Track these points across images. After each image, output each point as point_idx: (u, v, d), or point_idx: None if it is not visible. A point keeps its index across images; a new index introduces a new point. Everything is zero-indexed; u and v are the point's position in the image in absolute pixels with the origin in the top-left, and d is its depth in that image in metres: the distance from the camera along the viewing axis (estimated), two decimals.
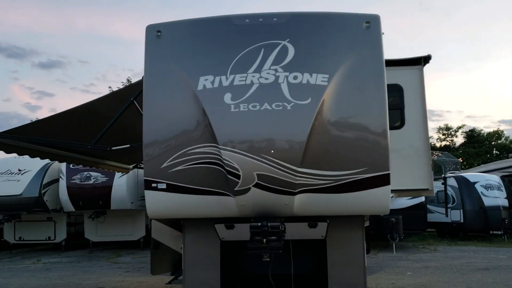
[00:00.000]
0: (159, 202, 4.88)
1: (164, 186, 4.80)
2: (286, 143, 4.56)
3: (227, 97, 4.65)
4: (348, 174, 4.67)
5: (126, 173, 10.53)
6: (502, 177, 18.74)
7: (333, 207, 4.87)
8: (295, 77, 4.64)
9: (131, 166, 9.92)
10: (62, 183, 14.97)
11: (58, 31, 67.65)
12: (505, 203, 17.52)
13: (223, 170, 4.63)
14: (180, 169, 4.77)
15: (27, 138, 5.77)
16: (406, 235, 15.26)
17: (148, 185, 4.86)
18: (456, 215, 17.92)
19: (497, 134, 54.76)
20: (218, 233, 5.85)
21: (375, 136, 4.70)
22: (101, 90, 64.95)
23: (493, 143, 54.19)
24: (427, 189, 5.78)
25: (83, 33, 66.76)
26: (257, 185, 4.60)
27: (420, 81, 5.82)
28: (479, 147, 51.57)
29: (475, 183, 17.85)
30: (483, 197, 17.46)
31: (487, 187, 17.87)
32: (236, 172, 4.57)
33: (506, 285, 8.47)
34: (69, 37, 66.21)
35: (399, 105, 6.10)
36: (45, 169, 15.44)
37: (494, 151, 52.52)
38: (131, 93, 5.96)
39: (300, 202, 4.74)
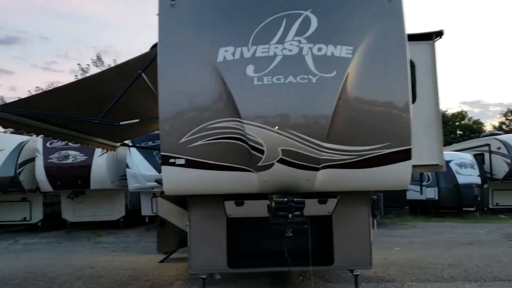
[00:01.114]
0: (176, 178, 4.73)
1: (182, 161, 4.65)
2: (312, 118, 4.47)
3: (250, 70, 4.50)
4: (371, 149, 4.63)
5: (113, 151, 10.22)
6: (475, 156, 19.27)
7: (353, 183, 4.84)
8: (320, 49, 4.53)
9: (118, 144, 9.62)
10: (39, 162, 14.45)
11: (16, 5, 64.63)
12: (478, 180, 18.05)
13: (246, 145, 4.50)
14: (199, 144, 4.61)
15: (31, 113, 5.46)
16: (384, 212, 15.57)
17: (165, 160, 4.69)
18: (431, 193, 18.38)
19: (461, 115, 56.26)
20: (226, 210, 5.76)
21: (398, 111, 4.67)
22: (63, 68, 62.77)
23: (457, 123, 55.67)
24: (437, 165, 5.82)
25: (43, 8, 64.08)
26: (281, 161, 4.50)
27: (432, 57, 5.80)
28: (444, 127, 52.85)
29: (449, 161, 18.27)
30: (457, 175, 17.93)
31: (461, 165, 18.34)
32: (260, 147, 4.46)
33: (494, 259, 8.72)
34: (28, 12, 63.35)
35: (411, 81, 6.07)
36: (20, 147, 14.90)
37: (458, 131, 54.00)
38: (135, 66, 5.71)
39: (322, 178, 4.68)
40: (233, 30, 4.69)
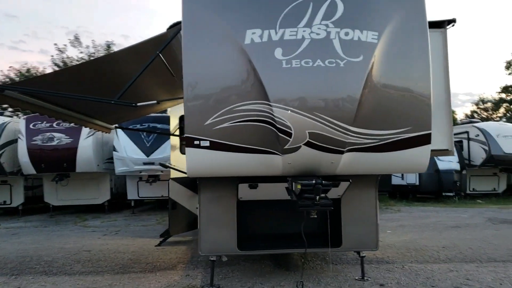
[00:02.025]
0: (201, 160, 4.71)
1: (207, 143, 4.63)
2: (340, 102, 4.51)
3: (278, 52, 4.50)
4: (393, 133, 4.72)
5: (108, 133, 10.06)
6: (454, 142, 19.72)
7: (374, 166, 4.93)
8: (347, 34, 4.56)
9: (113, 126, 9.48)
10: (22, 144, 14.08)
11: None
12: (457, 166, 18.52)
13: (274, 128, 4.52)
14: (225, 126, 4.60)
15: (46, 92, 5.32)
16: None
17: (190, 142, 4.65)
18: (412, 178, 18.79)
19: None
20: (239, 193, 5.79)
21: (420, 96, 4.76)
22: (32, 48, 60.62)
23: None
24: (446, 150, 5.97)
25: None
26: (307, 144, 4.54)
27: (444, 45, 5.90)
28: None
29: None
30: (437, 161, 18.34)
31: None
32: (288, 130, 4.48)
33: (484, 241, 9.04)
34: None
35: None
36: (1, 129, 14.51)
37: None
38: (147, 47, 5.62)
39: (346, 161, 4.75)
40: (260, 13, 4.66)
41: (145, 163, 13.96)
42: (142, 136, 13.97)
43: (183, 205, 6.10)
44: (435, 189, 18.50)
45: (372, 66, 4.56)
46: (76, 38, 32.61)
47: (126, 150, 14.03)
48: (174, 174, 10.24)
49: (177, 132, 10.75)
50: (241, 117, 4.58)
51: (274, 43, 4.52)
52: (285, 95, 4.47)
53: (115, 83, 5.95)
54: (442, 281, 6.20)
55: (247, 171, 4.89)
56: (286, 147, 4.56)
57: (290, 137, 4.51)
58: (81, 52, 33.05)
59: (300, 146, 4.55)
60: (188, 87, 4.63)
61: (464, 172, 19.14)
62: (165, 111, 14.70)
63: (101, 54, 32.26)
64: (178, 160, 9.89)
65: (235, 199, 6.01)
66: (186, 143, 4.67)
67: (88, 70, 5.88)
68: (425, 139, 4.80)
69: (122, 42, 61.22)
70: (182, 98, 5.09)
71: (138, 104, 5.16)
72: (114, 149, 14.31)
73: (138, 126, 13.73)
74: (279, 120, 4.47)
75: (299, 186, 4.53)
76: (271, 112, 4.48)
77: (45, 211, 16.36)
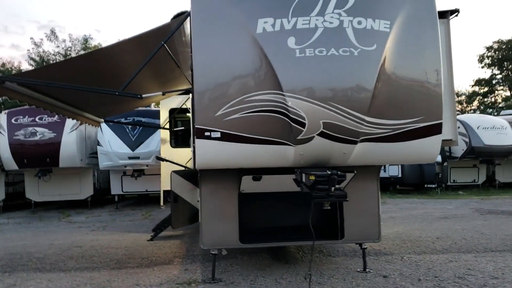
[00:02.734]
0: (211, 151, 4.59)
1: (218, 135, 4.52)
2: (355, 91, 4.45)
3: (291, 41, 4.41)
4: (405, 123, 4.69)
5: (97, 126, 9.84)
6: None
7: (385, 156, 4.91)
8: (359, 22, 4.50)
9: (103, 119, 9.26)
10: (3, 140, 13.67)
11: None
12: (439, 158, 18.80)
13: (287, 118, 4.44)
14: (236, 117, 4.50)
15: (48, 83, 5.11)
16: None
17: (200, 133, 4.53)
18: (394, 170, 19.00)
19: None
20: (241, 185, 5.71)
21: (431, 86, 4.75)
22: (3, 42, 58.89)
23: None
24: (451, 140, 5.99)
25: None
26: (321, 134, 4.48)
27: (447, 35, 5.90)
28: None
29: None
30: None
31: None
32: (301, 120, 4.41)
33: (476, 231, 9.18)
34: None
35: None
36: None
37: None
38: (151, 37, 5.47)
39: (358, 152, 4.71)
40: (272, 1, 4.55)
41: (130, 158, 13.71)
42: (127, 130, 13.71)
43: (184, 198, 5.98)
44: (417, 181, 18.76)
45: (385, 55, 4.51)
46: (53, 32, 31.81)
47: (111, 144, 13.74)
48: (164, 168, 10.14)
49: (167, 126, 10.62)
50: (252, 107, 4.48)
51: (287, 32, 4.43)
52: (299, 84, 4.39)
53: (113, 75, 5.79)
54: (444, 271, 6.23)
55: (258, 162, 4.81)
56: (299, 137, 4.49)
57: (304, 127, 4.43)
58: (58, 46, 32.35)
59: (313, 137, 4.48)
60: (199, 78, 4.51)
61: (445, 164, 19.43)
62: (149, 105, 14.50)
63: (78, 49, 31.65)
64: (169, 153, 9.75)
65: (237, 191, 5.92)
66: (197, 134, 4.55)
67: (86, 62, 5.69)
68: (437, 129, 4.79)
69: (95, 37, 60.12)
70: (187, 89, 4.99)
71: (143, 95, 5.00)
72: (98, 144, 14.01)
73: (123, 120, 13.45)
74: (293, 110, 4.39)
75: (312, 178, 4.45)
76: (284, 102, 4.39)
77: (27, 208, 15.98)
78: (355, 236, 6.25)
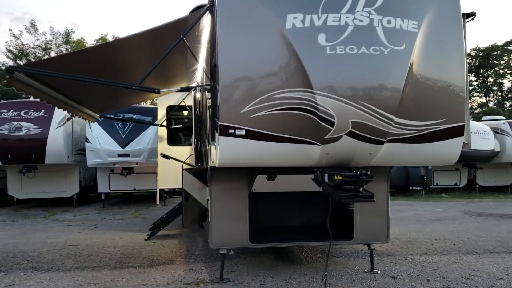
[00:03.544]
0: (235, 149, 4.48)
1: (242, 132, 4.41)
2: (385, 90, 4.40)
3: (321, 38, 4.34)
4: (430, 125, 4.68)
5: (92, 122, 9.59)
6: None
7: (407, 157, 4.88)
8: (389, 21, 4.47)
9: (99, 115, 9.04)
10: None
11: None
12: None
13: (315, 117, 4.36)
14: (262, 114, 4.40)
15: (62, 75, 4.91)
16: None
17: (224, 131, 4.42)
18: None
19: None
20: (254, 185, 5.63)
21: (455, 87, 4.75)
22: None
23: None
24: (464, 142, 6.01)
25: None
26: (349, 133, 4.42)
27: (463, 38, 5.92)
28: None
29: None
30: None
31: None
32: (330, 119, 4.34)
33: (471, 233, 9.30)
34: None
35: None
36: None
37: None
38: (164, 31, 5.33)
39: (383, 152, 4.67)
40: None
41: (120, 155, 13.42)
42: (117, 127, 13.44)
43: (194, 197, 5.86)
44: (403, 183, 18.94)
45: (413, 55, 4.49)
46: (32, 25, 31.07)
47: (100, 141, 13.44)
48: (162, 166, 9.97)
49: (165, 123, 10.44)
50: (279, 105, 4.39)
51: (317, 28, 4.36)
52: (330, 82, 4.32)
53: (120, 69, 5.64)
54: (450, 272, 6.28)
55: (280, 161, 4.72)
56: (326, 136, 4.42)
57: (332, 126, 4.37)
58: (37, 39, 31.59)
59: (341, 136, 4.42)
60: (224, 74, 4.39)
61: (429, 167, 19.67)
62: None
63: (60, 42, 31.00)
64: (166, 152, 9.58)
65: (247, 191, 5.84)
66: (220, 131, 4.43)
67: (95, 55, 5.51)
68: (459, 131, 4.81)
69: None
70: (207, 85, 4.88)
71: (161, 90, 4.87)
72: (87, 140, 13.68)
73: (112, 116, 13.18)
74: (322, 108, 4.31)
75: (339, 178, 4.40)
76: (313, 100, 4.32)
77: (7, 205, 15.52)
78: (364, 237, 6.24)
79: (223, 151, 4.50)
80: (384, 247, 7.89)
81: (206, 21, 5.26)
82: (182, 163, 8.49)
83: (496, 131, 18.91)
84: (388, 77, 4.42)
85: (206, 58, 5.24)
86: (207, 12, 4.94)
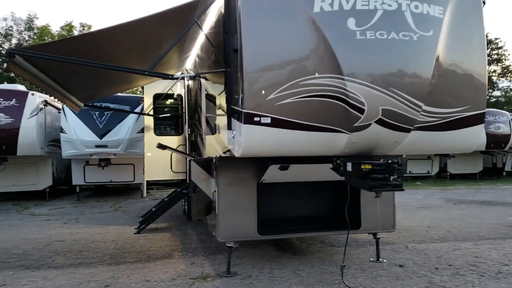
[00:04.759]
0: (260, 138, 4.27)
1: (268, 120, 4.20)
2: (415, 77, 4.28)
3: (351, 23, 4.16)
4: (454, 112, 4.61)
5: (77, 111, 9.13)
6: None
7: (430, 145, 4.82)
8: (416, 6, 4.33)
9: (83, 104, 8.60)
10: None
11: None
12: None
13: (345, 104, 4.19)
14: (288, 102, 4.20)
15: (69, 59, 4.55)
16: None
17: (248, 118, 4.20)
18: None
19: None
20: (265, 175, 5.46)
21: (478, 74, 4.70)
22: None
23: None
24: None
25: None
26: (378, 121, 4.28)
27: None
28: None
29: None
30: None
31: None
32: (361, 106, 4.19)
33: (462, 221, 9.45)
34: None
35: None
36: None
37: None
38: (176, 13, 5.04)
39: (409, 140, 4.57)
40: None
41: (97, 146, 12.90)
42: (94, 117, 12.91)
43: (201, 188, 5.62)
44: None
45: (440, 41, 4.40)
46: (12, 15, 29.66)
47: (76, 131, 12.86)
48: (149, 157, 9.63)
49: (152, 112, 10.07)
50: (307, 91, 4.20)
51: (346, 12, 4.18)
52: (360, 68, 4.16)
53: (131, 52, 5.32)
54: (455, 259, 6.31)
55: (305, 150, 4.54)
56: (356, 124, 4.27)
57: (362, 114, 4.22)
58: None
59: (370, 124, 4.28)
60: (248, 60, 4.16)
61: (404, 155, 19.94)
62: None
63: (22, 29, 29.70)
64: (152, 141, 9.25)
65: (256, 181, 5.65)
66: (244, 119, 4.21)
67: (104, 37, 5.16)
68: (480, 118, 4.76)
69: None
70: (223, 70, 4.65)
71: (175, 75, 4.60)
72: (62, 131, 13.07)
73: (99, 105, 12.61)
74: (352, 95, 4.15)
75: (368, 166, 4.27)
76: (343, 86, 4.15)
77: None
78: (371, 226, 6.18)
79: (247, 139, 4.29)
80: (381, 235, 7.87)
81: (216, 4, 5.01)
82: (170, 154, 8.21)
83: None
84: (418, 64, 4.31)
85: (217, 43, 4.97)
86: None
